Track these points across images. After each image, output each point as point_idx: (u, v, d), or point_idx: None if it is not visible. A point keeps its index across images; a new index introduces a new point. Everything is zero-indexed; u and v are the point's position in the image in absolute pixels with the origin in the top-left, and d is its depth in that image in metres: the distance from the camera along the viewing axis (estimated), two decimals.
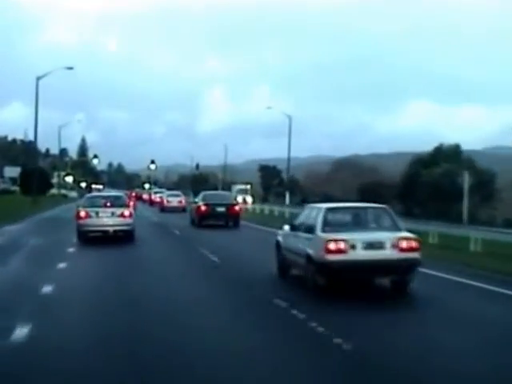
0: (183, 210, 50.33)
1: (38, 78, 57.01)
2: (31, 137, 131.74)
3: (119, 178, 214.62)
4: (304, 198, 75.89)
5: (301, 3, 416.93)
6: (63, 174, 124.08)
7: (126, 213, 24.41)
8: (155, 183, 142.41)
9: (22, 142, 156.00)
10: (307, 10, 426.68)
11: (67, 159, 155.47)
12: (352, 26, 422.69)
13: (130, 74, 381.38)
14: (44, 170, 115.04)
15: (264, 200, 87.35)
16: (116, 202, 25.17)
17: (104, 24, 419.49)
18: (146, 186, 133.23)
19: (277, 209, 51.10)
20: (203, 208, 32.08)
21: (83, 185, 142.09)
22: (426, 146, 66.31)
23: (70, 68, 57.41)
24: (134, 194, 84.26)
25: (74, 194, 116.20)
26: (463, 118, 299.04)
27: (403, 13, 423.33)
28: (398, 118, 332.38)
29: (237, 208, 33.34)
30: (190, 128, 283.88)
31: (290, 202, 62.89)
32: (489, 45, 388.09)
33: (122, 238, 24.03)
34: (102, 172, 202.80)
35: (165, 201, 54.25)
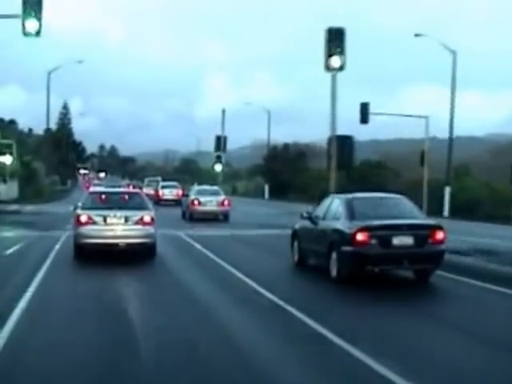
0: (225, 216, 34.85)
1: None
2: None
3: (112, 162, 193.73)
4: None
5: None
6: None
7: (147, 218, 17.38)
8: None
9: (2, 120, 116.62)
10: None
11: None
12: (355, 12, 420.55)
13: (129, 62, 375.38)
14: None
15: None
16: (131, 202, 18.47)
17: (106, 11, 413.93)
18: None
19: None
20: None
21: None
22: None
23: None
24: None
25: (12, 187, 55.72)
26: (464, 105, 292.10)
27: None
28: (397, 104, 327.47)
29: None
30: (189, 114, 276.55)
31: None
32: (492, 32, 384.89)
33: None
34: (93, 155, 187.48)
35: (195, 202, 34.58)
